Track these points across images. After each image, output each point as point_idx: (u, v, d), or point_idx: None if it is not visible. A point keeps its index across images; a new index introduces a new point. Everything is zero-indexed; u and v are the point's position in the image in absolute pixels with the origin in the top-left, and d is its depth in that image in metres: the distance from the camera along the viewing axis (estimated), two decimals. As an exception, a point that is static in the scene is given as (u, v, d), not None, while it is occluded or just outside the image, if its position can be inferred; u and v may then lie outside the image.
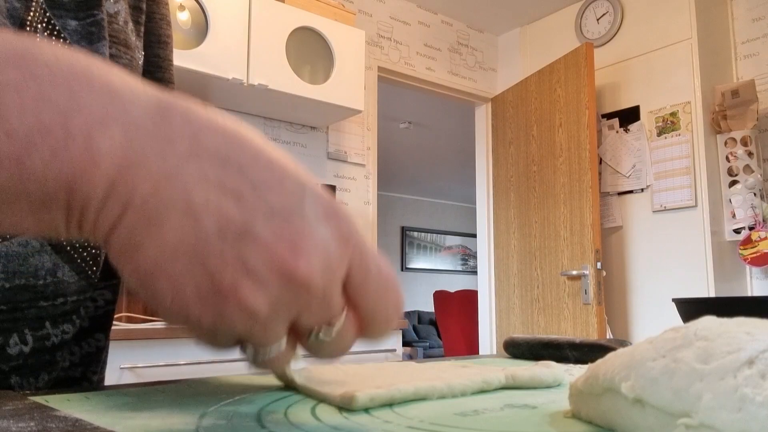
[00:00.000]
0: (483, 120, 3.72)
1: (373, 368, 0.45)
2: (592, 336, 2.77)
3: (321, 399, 0.35)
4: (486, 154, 3.66)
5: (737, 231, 2.76)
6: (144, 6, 0.58)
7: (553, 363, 0.44)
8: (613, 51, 3.19)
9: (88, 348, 0.55)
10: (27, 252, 0.45)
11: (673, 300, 0.65)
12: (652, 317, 2.93)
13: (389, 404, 0.33)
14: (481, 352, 3.63)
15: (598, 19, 3.28)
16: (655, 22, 3.03)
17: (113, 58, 0.51)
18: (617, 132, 3.14)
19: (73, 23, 0.47)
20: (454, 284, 8.01)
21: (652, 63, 3.04)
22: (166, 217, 0.24)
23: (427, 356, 6.99)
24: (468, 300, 4.90)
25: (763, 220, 2.71)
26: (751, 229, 2.71)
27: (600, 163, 3.12)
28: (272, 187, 0.25)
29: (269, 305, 0.25)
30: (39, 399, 0.34)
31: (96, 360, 0.56)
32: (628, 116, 3.11)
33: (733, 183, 2.80)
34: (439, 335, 6.75)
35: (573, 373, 0.45)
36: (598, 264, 2.84)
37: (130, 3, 0.55)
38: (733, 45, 2.97)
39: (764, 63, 2.85)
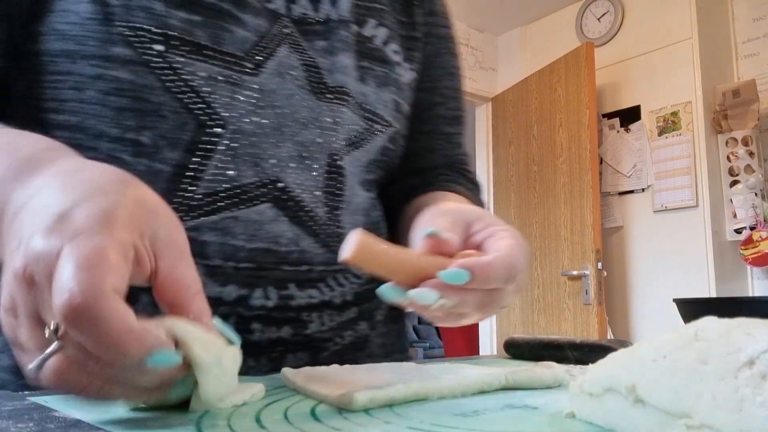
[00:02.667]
0: (483, 120, 3.72)
1: (373, 368, 0.45)
2: (592, 336, 2.77)
3: (321, 399, 0.35)
4: (486, 154, 3.66)
5: (738, 231, 2.76)
6: (419, 35, 0.66)
7: (553, 363, 0.44)
8: (614, 50, 3.19)
9: (350, 338, 0.56)
10: (262, 219, 0.51)
11: (674, 300, 0.65)
12: (652, 317, 2.92)
13: (389, 404, 0.33)
14: (481, 353, 3.63)
15: (598, 19, 3.28)
16: (656, 21, 3.03)
17: (364, 69, 0.59)
18: (618, 132, 3.14)
19: (321, 43, 0.56)
20: (455, 284, 7.98)
21: (652, 62, 3.03)
22: None
23: (427, 356, 6.98)
24: (469, 300, 4.88)
25: (764, 220, 2.70)
26: (752, 229, 2.71)
27: (601, 162, 3.12)
28: None
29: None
30: (38, 399, 0.34)
31: (359, 351, 0.57)
32: (629, 116, 3.10)
33: (734, 183, 2.80)
34: (439, 335, 6.74)
35: (573, 373, 0.45)
36: (599, 264, 2.84)
37: (402, 34, 0.64)
38: (734, 44, 2.97)
39: (765, 63, 2.85)
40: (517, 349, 0.62)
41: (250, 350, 0.48)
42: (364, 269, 0.36)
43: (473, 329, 3.98)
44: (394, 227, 0.66)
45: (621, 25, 3.18)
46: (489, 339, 3.54)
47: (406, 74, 0.64)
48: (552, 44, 3.45)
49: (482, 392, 0.38)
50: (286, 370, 0.42)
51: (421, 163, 0.69)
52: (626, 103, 3.12)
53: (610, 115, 3.18)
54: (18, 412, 0.30)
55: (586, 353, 0.55)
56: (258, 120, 0.51)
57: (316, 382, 0.38)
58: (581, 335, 2.84)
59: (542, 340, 0.60)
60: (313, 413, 0.32)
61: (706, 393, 0.23)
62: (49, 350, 0.26)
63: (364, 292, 0.58)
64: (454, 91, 0.71)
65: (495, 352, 3.41)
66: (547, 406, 0.34)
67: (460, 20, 3.62)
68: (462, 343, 5.24)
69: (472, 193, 0.68)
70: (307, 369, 0.43)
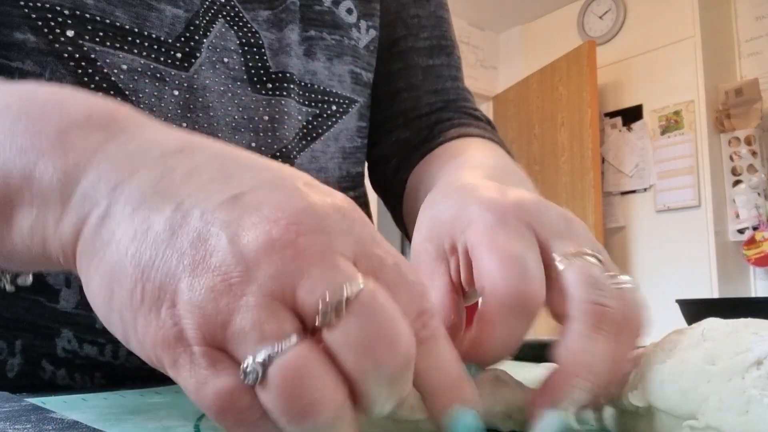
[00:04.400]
0: (485, 119, 3.71)
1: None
2: (594, 336, 2.77)
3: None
4: (488, 154, 3.66)
5: (741, 231, 2.76)
6: None
7: (555, 365, 0.43)
8: (616, 49, 3.18)
9: None
10: None
11: (677, 301, 0.65)
12: (654, 318, 2.90)
13: (390, 406, 0.33)
14: (483, 352, 3.63)
15: (600, 17, 3.27)
16: (658, 19, 3.02)
17: (310, 40, 0.49)
18: (620, 131, 3.13)
19: (265, 13, 0.47)
20: (457, 284, 8.00)
21: (655, 61, 3.03)
22: None
23: (430, 356, 6.98)
24: (470, 300, 4.90)
25: (767, 220, 2.70)
26: (755, 229, 2.70)
27: (602, 162, 3.12)
28: None
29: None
30: (36, 401, 0.33)
31: None
32: (631, 115, 3.10)
33: (736, 183, 2.79)
34: (441, 335, 6.76)
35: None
36: (601, 263, 2.83)
37: None
38: (737, 43, 2.96)
39: (768, 62, 2.85)
40: (519, 351, 0.62)
41: None
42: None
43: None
44: (398, 209, 0.56)
45: (623, 23, 3.18)
46: (491, 339, 3.54)
47: (364, 36, 0.53)
48: (553, 42, 3.45)
49: (484, 393, 0.38)
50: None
51: (403, 105, 0.56)
52: (628, 102, 3.12)
53: (612, 114, 3.17)
54: (15, 413, 0.30)
55: (588, 353, 0.55)
56: (188, 126, 0.43)
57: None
58: (583, 335, 2.84)
59: (544, 341, 0.59)
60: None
61: (713, 394, 0.22)
62: (290, 341, 0.18)
63: None
64: (423, 20, 0.57)
65: (497, 352, 3.41)
66: (550, 407, 0.34)
67: (460, 18, 3.62)
68: (463, 343, 5.24)
69: (489, 134, 0.55)
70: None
